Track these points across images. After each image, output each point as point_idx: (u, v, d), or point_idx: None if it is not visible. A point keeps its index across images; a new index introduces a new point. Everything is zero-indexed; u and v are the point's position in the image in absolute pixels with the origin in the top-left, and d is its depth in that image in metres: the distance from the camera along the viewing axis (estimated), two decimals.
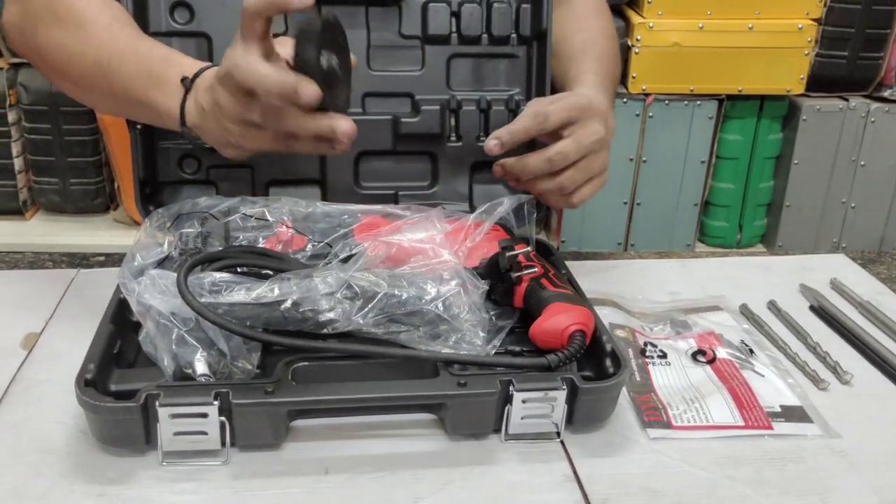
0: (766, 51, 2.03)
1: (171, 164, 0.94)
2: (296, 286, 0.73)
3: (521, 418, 0.71)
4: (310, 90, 0.68)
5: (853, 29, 2.06)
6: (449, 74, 0.98)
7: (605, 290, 0.96)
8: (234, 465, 0.68)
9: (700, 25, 2.01)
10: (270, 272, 0.77)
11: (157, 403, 0.65)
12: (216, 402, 0.66)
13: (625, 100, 2.04)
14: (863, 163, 2.16)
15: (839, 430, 0.75)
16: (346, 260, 0.79)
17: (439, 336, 0.75)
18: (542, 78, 0.97)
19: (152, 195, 0.93)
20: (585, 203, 0.89)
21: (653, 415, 0.76)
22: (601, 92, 0.91)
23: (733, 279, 1.03)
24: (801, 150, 2.13)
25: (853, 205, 2.20)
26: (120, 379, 0.71)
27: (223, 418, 0.67)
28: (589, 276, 0.98)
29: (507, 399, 0.70)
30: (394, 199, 0.98)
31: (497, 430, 0.72)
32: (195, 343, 0.71)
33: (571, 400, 0.71)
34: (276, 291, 0.72)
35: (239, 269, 0.78)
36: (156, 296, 0.71)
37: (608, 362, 0.75)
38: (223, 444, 0.68)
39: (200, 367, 0.70)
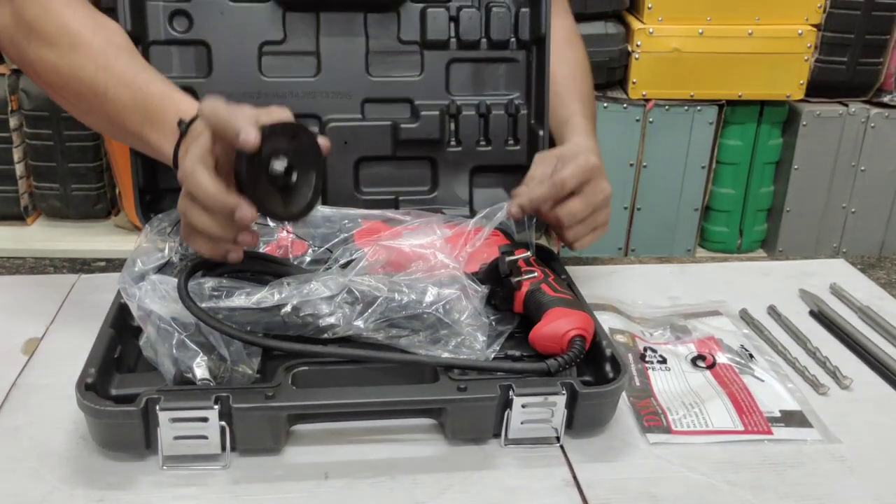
0: (766, 56, 2.03)
1: (171, 172, 0.92)
2: (296, 291, 0.73)
3: (521, 423, 0.71)
4: (245, 212, 0.69)
5: (853, 35, 2.06)
6: (448, 79, 0.98)
7: (605, 295, 0.96)
8: (234, 470, 0.68)
9: (700, 31, 2.01)
10: (271, 277, 0.77)
11: (157, 407, 0.65)
12: (216, 407, 0.66)
13: (625, 105, 2.05)
14: (863, 168, 2.16)
15: (839, 435, 0.75)
16: (346, 265, 0.79)
17: (439, 340, 0.75)
18: (541, 82, 0.97)
19: (152, 203, 0.93)
20: None
21: (652, 420, 0.76)
22: (591, 137, 0.96)
23: (733, 284, 1.03)
24: (801, 155, 2.14)
25: (853, 210, 2.20)
26: (120, 383, 0.71)
27: (223, 423, 0.67)
28: (589, 280, 0.98)
29: (507, 404, 0.70)
30: (394, 205, 0.98)
31: (497, 435, 0.72)
32: (195, 348, 0.71)
33: (571, 405, 0.71)
34: (277, 296, 0.73)
35: (239, 275, 0.78)
36: (156, 301, 0.72)
37: (608, 367, 0.75)
38: (223, 448, 0.68)
39: (201, 372, 0.70)
